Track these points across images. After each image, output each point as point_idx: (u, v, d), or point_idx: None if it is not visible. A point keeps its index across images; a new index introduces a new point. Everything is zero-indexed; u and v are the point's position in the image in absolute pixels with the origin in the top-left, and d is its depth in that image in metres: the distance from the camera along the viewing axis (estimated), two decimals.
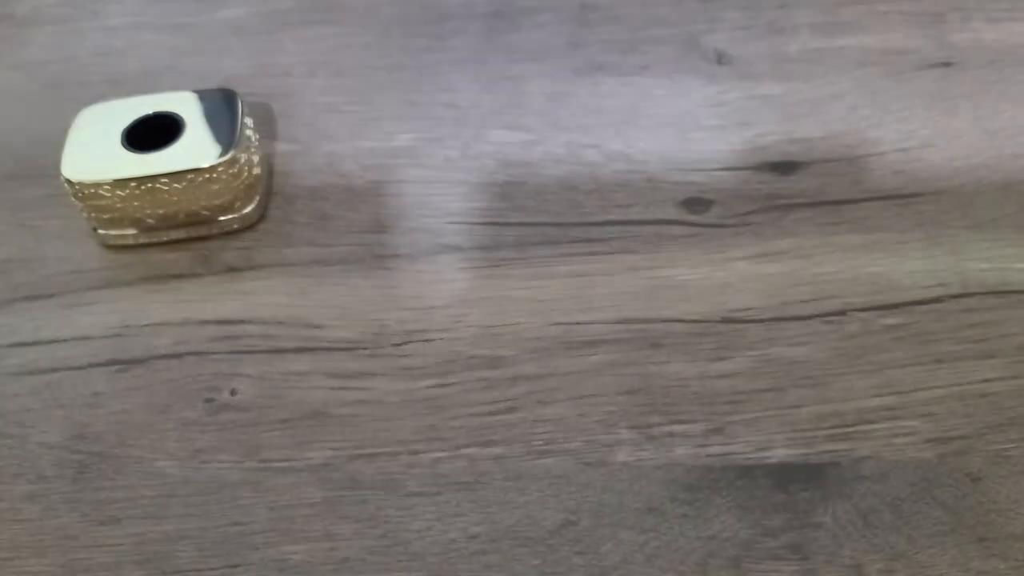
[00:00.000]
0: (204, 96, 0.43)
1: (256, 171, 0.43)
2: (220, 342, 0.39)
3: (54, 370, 0.39)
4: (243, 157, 0.41)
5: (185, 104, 0.42)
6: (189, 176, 0.40)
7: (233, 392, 0.38)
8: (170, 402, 0.37)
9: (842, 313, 0.39)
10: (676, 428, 0.36)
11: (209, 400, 0.37)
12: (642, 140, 0.46)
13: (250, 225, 0.43)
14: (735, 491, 0.34)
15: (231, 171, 0.41)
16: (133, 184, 0.40)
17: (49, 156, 0.44)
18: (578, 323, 0.39)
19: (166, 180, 0.40)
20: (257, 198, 0.43)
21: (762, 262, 0.41)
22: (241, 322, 0.40)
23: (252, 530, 0.34)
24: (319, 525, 0.34)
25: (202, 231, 0.42)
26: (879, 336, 0.38)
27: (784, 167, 0.44)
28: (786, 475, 0.34)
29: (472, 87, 0.49)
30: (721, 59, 0.49)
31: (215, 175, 0.40)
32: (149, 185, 0.40)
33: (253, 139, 0.43)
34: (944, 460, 0.34)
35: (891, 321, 0.38)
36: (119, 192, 0.40)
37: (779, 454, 0.35)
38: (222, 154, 0.40)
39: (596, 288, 0.40)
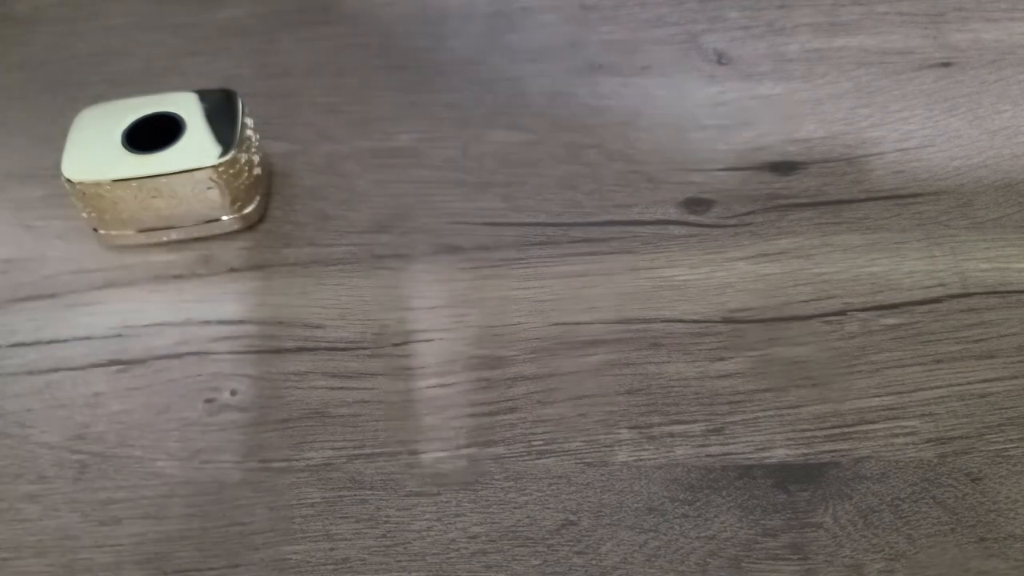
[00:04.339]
0: (204, 96, 0.43)
1: (256, 171, 0.43)
2: (220, 342, 0.39)
3: (54, 370, 0.39)
4: (243, 157, 0.41)
5: (185, 104, 0.42)
6: (189, 176, 0.40)
7: (233, 392, 0.38)
8: (170, 402, 0.37)
9: (842, 313, 0.39)
10: (676, 428, 0.36)
11: (209, 400, 0.37)
12: (642, 140, 0.46)
13: (250, 225, 0.43)
14: (735, 491, 0.34)
15: (231, 171, 0.41)
16: (133, 184, 0.40)
17: (49, 156, 0.44)
18: (578, 323, 0.39)
19: (166, 180, 0.40)
20: (257, 198, 0.43)
21: (762, 262, 0.41)
22: (241, 322, 0.40)
23: (252, 530, 0.34)
24: (319, 525, 0.34)
25: (202, 231, 0.43)
26: (879, 336, 0.38)
27: (784, 167, 0.44)
28: (786, 475, 0.34)
29: (472, 87, 0.49)
30: (721, 59, 0.49)
31: (215, 175, 0.40)
32: (149, 185, 0.40)
33: (253, 139, 0.43)
34: (944, 460, 0.34)
35: (891, 321, 0.38)
36: (119, 192, 0.40)
37: (779, 454, 0.35)
38: (222, 154, 0.40)
39: (596, 288, 0.40)
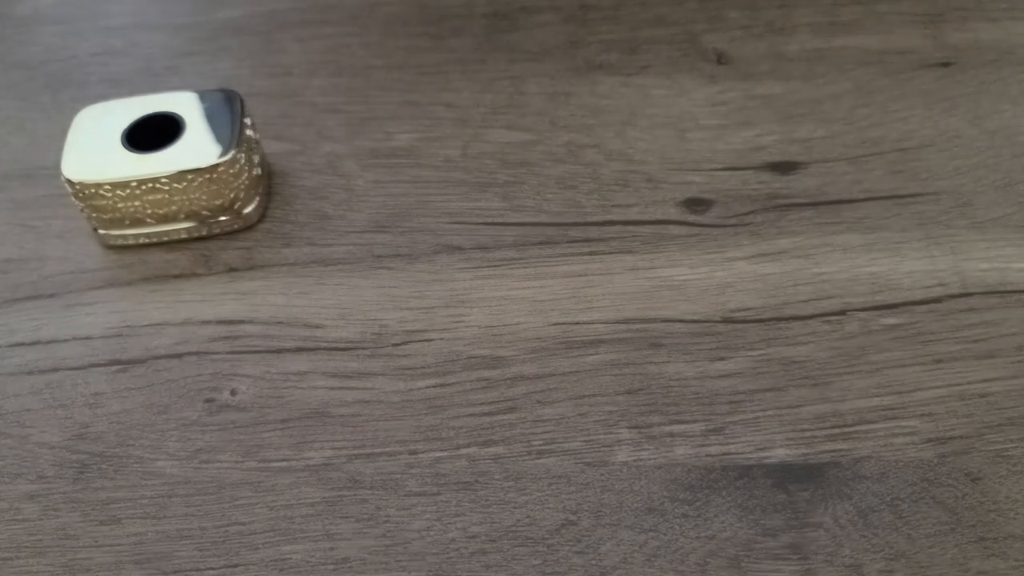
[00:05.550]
0: (204, 96, 0.43)
1: (256, 171, 0.43)
2: (220, 342, 0.39)
3: (54, 370, 0.39)
4: (243, 157, 0.41)
5: (185, 104, 0.42)
6: (189, 176, 0.40)
7: (233, 392, 0.38)
8: (170, 402, 0.37)
9: (842, 313, 0.39)
10: (676, 428, 0.36)
11: (209, 400, 0.37)
12: (642, 140, 0.46)
13: (250, 225, 0.43)
14: (735, 491, 0.34)
15: (231, 171, 0.41)
16: (133, 184, 0.40)
17: (49, 156, 0.44)
18: (578, 323, 0.39)
19: (166, 180, 0.40)
20: (257, 198, 0.43)
21: (762, 262, 0.41)
22: (241, 322, 0.40)
23: (252, 530, 0.34)
24: (319, 525, 0.34)
25: (202, 231, 0.43)
26: (879, 336, 0.38)
27: (784, 167, 0.44)
28: (786, 475, 0.34)
29: (472, 87, 0.49)
30: (721, 59, 0.49)
31: (215, 175, 0.40)
32: (149, 185, 0.40)
33: (253, 139, 0.43)
34: (944, 460, 0.34)
35: (891, 321, 0.38)
36: (119, 192, 0.40)
37: (779, 454, 0.35)
38: (222, 154, 0.40)
39: (596, 288, 0.40)
